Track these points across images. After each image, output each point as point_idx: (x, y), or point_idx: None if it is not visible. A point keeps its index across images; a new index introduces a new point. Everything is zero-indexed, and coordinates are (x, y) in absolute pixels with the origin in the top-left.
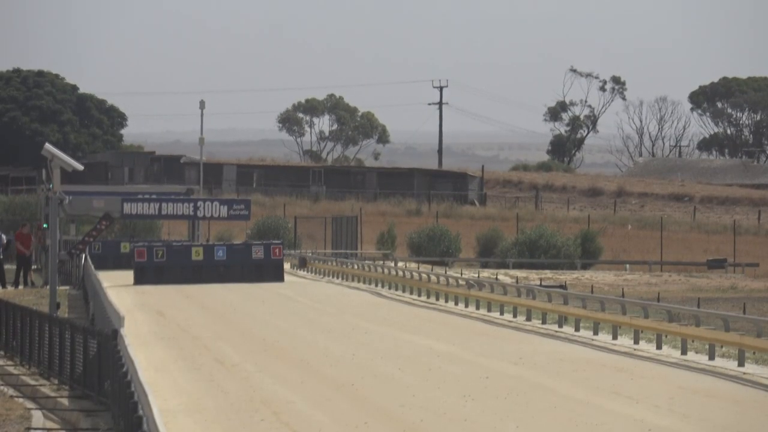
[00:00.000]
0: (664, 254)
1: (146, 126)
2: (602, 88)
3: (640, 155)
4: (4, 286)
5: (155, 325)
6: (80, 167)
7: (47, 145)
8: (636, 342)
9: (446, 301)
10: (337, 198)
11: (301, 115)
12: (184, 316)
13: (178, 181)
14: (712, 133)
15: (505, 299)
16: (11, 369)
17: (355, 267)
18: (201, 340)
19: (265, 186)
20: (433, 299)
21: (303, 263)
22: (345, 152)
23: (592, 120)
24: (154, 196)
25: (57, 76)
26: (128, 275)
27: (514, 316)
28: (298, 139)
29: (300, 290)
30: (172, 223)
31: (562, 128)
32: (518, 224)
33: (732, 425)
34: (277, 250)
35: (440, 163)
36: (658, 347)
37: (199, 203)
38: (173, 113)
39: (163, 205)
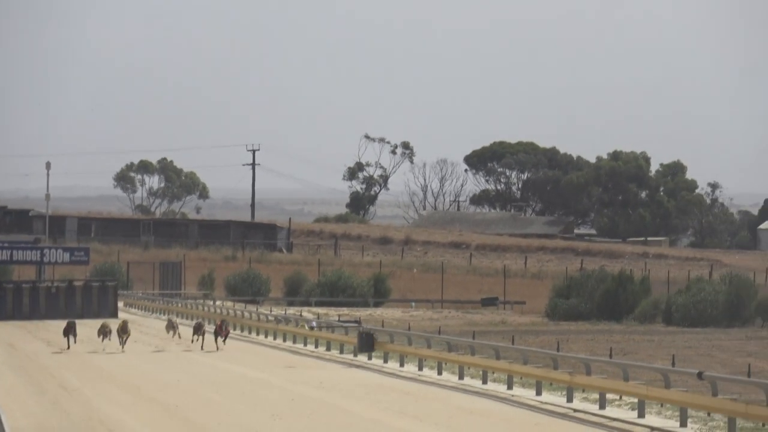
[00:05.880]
0: (444, 294)
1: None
2: (393, 152)
3: (425, 209)
4: None
5: (7, 356)
6: None
7: None
8: (420, 369)
9: (258, 335)
10: (164, 246)
11: (133, 174)
12: (32, 347)
13: (27, 232)
14: (483, 189)
15: (307, 332)
16: None
17: (179, 305)
18: (47, 368)
19: (102, 236)
20: (246, 333)
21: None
22: (171, 206)
23: (384, 179)
24: (5, 245)
25: None
26: None
27: (316, 346)
28: (131, 195)
29: (131, 324)
30: (21, 267)
31: (358, 186)
32: (320, 268)
33: None
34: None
35: (253, 215)
36: (439, 373)
37: (45, 250)
38: (23, 173)
39: (14, 252)
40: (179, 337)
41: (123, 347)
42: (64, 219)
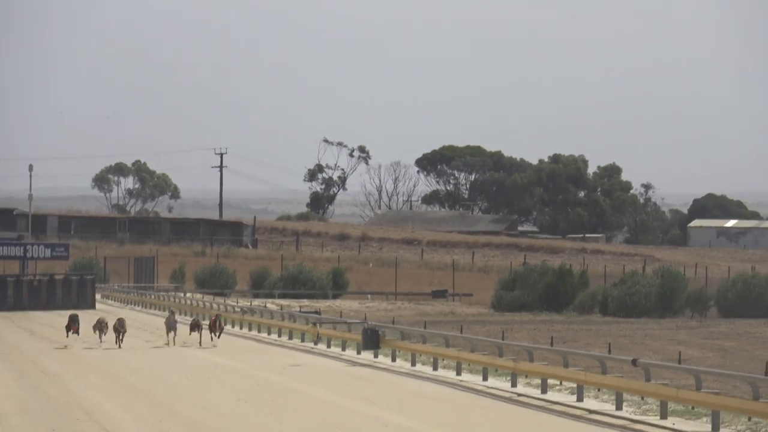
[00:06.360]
0: (398, 286)
1: None
2: (350, 155)
3: (380, 208)
4: None
5: None
6: None
7: None
8: (375, 356)
9: (225, 324)
10: (138, 242)
11: (110, 176)
12: (15, 336)
13: (11, 229)
14: (434, 189)
15: (272, 322)
16: None
17: (152, 297)
18: (29, 355)
19: (81, 233)
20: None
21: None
22: (145, 206)
23: (342, 180)
24: None
25: None
26: None
27: (279, 335)
28: (108, 195)
29: (106, 315)
30: (6, 262)
31: (318, 186)
32: (283, 263)
33: (449, 421)
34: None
35: (221, 214)
36: (393, 360)
37: (28, 246)
38: (7, 175)
39: None
40: (174, 334)
41: (120, 344)
42: (45, 217)
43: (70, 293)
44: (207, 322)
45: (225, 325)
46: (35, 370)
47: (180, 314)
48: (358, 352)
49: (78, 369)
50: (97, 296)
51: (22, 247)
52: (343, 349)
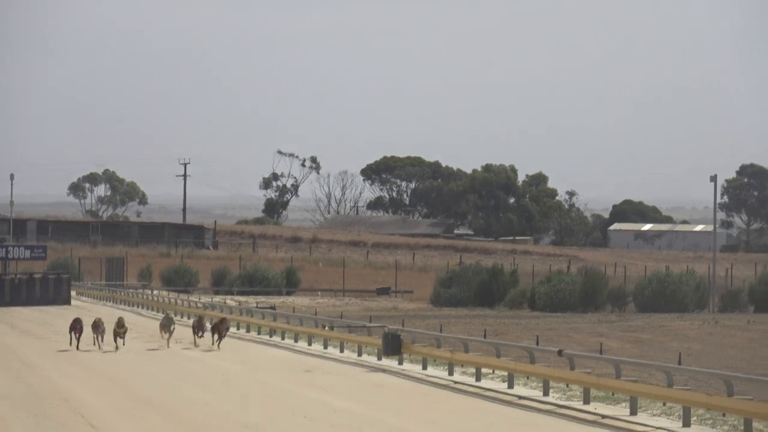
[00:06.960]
0: (345, 284)
1: None
2: (302, 165)
3: (329, 213)
4: None
5: None
6: None
7: None
8: (325, 347)
9: (189, 318)
10: (110, 244)
11: (85, 184)
12: None
13: None
14: (378, 196)
15: (231, 317)
16: None
17: (122, 293)
18: (10, 347)
19: (57, 236)
20: (179, 317)
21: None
22: (116, 211)
23: (295, 187)
24: None
25: None
26: None
27: (238, 329)
28: (82, 201)
29: (80, 310)
30: None
31: (272, 194)
32: (241, 263)
33: (393, 406)
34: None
35: (184, 218)
36: (341, 351)
37: (9, 248)
38: None
39: None
40: (169, 335)
41: (119, 346)
42: (25, 222)
43: (47, 290)
44: (210, 324)
45: (230, 327)
46: (17, 362)
47: (148, 309)
48: (309, 344)
49: (55, 359)
50: (72, 293)
51: (4, 249)
52: (296, 341)
